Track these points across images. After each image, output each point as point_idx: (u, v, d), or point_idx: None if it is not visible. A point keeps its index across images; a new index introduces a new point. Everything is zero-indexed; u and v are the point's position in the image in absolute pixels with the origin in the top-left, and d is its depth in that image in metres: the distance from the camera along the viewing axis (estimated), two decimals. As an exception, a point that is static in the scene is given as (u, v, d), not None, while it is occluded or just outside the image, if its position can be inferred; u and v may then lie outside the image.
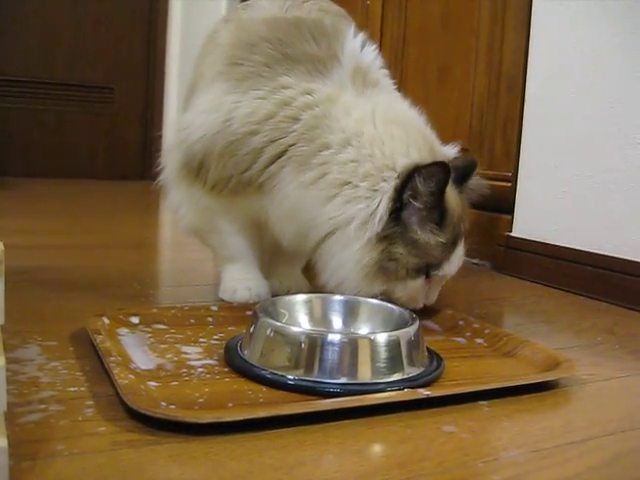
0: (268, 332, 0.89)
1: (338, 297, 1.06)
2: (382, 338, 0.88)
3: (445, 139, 2.13)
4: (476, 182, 1.27)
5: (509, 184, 1.86)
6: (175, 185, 1.27)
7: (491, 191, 1.91)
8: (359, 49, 1.20)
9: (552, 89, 1.72)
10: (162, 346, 0.98)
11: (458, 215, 1.16)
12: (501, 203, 1.88)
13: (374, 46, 1.24)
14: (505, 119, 1.92)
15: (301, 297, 1.05)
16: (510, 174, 1.86)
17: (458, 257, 1.17)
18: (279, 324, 0.91)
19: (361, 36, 1.23)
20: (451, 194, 1.15)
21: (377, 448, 0.74)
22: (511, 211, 1.85)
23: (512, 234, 1.83)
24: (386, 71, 1.27)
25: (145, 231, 2.33)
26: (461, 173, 1.21)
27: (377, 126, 1.13)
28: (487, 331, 1.12)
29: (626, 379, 1.01)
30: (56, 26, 3.72)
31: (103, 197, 3.25)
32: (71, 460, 0.65)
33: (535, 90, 1.78)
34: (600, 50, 1.59)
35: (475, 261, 1.95)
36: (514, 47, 1.88)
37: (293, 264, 1.36)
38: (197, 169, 1.19)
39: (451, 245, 1.14)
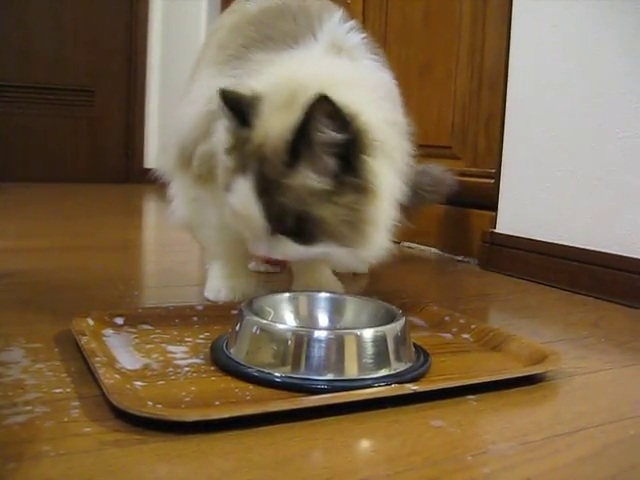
0: (254, 330, 0.89)
1: (324, 294, 1.06)
2: (368, 334, 0.88)
3: (428, 137, 2.15)
4: (441, 174, 1.22)
5: (492, 181, 1.87)
6: (172, 177, 1.28)
7: (474, 188, 1.94)
8: (340, 29, 1.15)
9: (534, 86, 1.73)
10: (148, 346, 0.98)
11: None
12: (484, 200, 1.89)
13: (362, 34, 1.18)
14: (487, 116, 1.93)
15: (287, 295, 1.04)
16: (493, 171, 1.87)
17: None
18: (265, 322, 0.90)
19: (348, 21, 1.18)
20: None
21: (365, 443, 0.74)
22: (495, 208, 1.85)
23: (496, 230, 1.83)
24: (375, 55, 1.19)
25: (129, 233, 2.31)
26: None
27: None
28: (473, 326, 1.12)
29: (612, 371, 1.02)
30: (36, 29, 3.70)
31: (86, 200, 3.24)
32: (57, 461, 0.65)
33: (517, 87, 1.79)
34: (581, 46, 1.59)
35: (459, 258, 1.95)
36: (495, 44, 1.89)
37: (318, 266, 1.34)
38: (189, 159, 1.19)
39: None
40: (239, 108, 1.02)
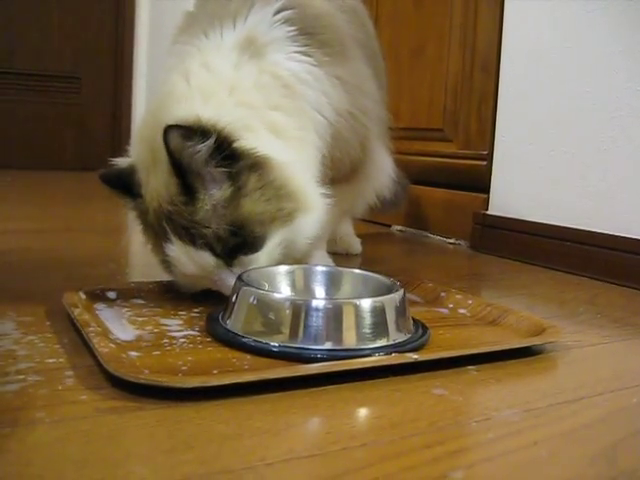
0: (251, 300, 0.87)
1: (320, 268, 1.04)
2: (367, 304, 0.86)
3: (419, 120, 2.14)
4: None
5: (484, 163, 1.86)
6: None
7: (466, 170, 1.93)
8: (264, 20, 1.11)
9: (526, 67, 1.72)
10: (141, 319, 0.96)
11: None
12: (477, 182, 1.88)
13: (292, 26, 1.12)
14: (480, 98, 1.91)
15: (283, 268, 1.02)
16: (485, 152, 1.86)
17: None
18: (262, 291, 0.89)
19: (289, 9, 1.14)
20: None
21: (368, 410, 0.73)
22: (487, 189, 1.85)
23: (488, 212, 1.82)
24: (305, 48, 1.13)
25: (118, 218, 2.28)
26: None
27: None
28: (470, 301, 1.11)
29: (610, 345, 1.01)
30: (22, 16, 3.66)
31: (73, 187, 3.20)
32: (53, 427, 0.63)
33: (509, 68, 1.78)
34: (574, 26, 1.58)
35: (451, 241, 1.94)
36: (488, 26, 1.88)
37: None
38: None
39: None
40: (122, 185, 1.05)
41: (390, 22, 2.25)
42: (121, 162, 1.07)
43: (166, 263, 1.02)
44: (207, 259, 0.97)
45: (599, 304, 1.28)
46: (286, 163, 1.03)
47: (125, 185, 1.04)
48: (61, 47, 3.78)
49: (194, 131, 0.94)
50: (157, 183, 0.99)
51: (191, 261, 0.98)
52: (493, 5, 1.84)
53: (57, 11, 3.74)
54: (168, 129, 0.92)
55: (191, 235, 0.96)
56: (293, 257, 1.05)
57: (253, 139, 1.01)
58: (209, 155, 0.96)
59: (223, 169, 0.97)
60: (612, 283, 1.44)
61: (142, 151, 1.04)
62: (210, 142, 0.95)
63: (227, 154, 0.97)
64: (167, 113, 1.00)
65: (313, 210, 1.04)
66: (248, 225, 0.98)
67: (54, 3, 3.73)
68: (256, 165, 0.99)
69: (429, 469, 0.58)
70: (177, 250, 0.98)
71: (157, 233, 1.00)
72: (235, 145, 0.98)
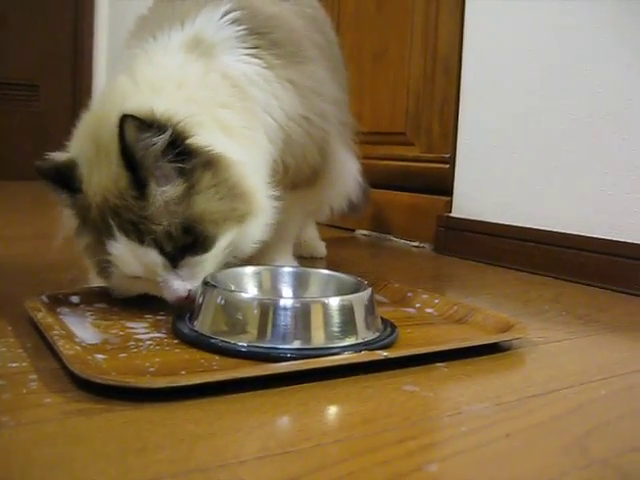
0: (219, 300, 0.86)
1: (287, 269, 1.04)
2: (335, 302, 0.86)
3: (382, 124, 2.14)
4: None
5: (447, 165, 1.87)
6: None
7: (429, 174, 1.94)
8: (212, 21, 1.10)
9: (488, 69, 1.73)
10: (105, 322, 0.94)
11: None
12: (440, 185, 1.89)
13: (241, 25, 1.11)
14: (442, 101, 1.93)
15: (250, 269, 1.02)
16: (448, 155, 1.87)
17: None
18: (230, 292, 0.88)
19: (238, 9, 1.13)
20: None
21: (339, 408, 0.72)
22: (450, 192, 1.86)
23: (452, 215, 1.83)
24: (255, 49, 1.12)
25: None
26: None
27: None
28: (437, 301, 1.12)
29: (577, 340, 1.02)
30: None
31: (34, 196, 3.14)
32: (19, 430, 0.61)
33: (471, 71, 1.79)
34: (535, 29, 1.60)
35: (415, 244, 1.95)
36: (449, 29, 1.89)
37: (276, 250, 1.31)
38: None
39: None
40: (61, 180, 0.99)
41: (352, 26, 2.26)
42: (58, 156, 1.02)
43: (103, 264, 0.97)
44: (154, 258, 0.93)
45: (563, 302, 1.29)
46: (239, 162, 1.00)
47: (64, 180, 0.99)
48: (19, 55, 3.72)
49: (150, 124, 0.92)
50: (102, 177, 0.95)
51: (136, 260, 0.94)
52: (454, 9, 1.86)
53: (15, 19, 3.69)
54: (124, 119, 0.89)
55: (139, 231, 0.92)
56: (235, 261, 1.03)
57: (206, 136, 0.99)
58: (163, 150, 0.93)
59: (177, 164, 0.95)
60: (576, 282, 1.46)
61: (84, 146, 1.00)
62: (166, 136, 0.92)
63: (181, 150, 0.95)
64: (115, 107, 0.95)
65: (262, 213, 1.02)
66: (201, 223, 0.95)
67: (12, 11, 3.67)
68: (210, 163, 0.97)
69: (404, 463, 0.58)
70: (122, 248, 0.93)
71: (99, 230, 0.95)
72: (189, 141, 0.96)
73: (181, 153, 0.95)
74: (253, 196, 1.01)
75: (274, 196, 1.05)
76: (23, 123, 3.77)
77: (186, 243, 0.94)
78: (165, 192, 0.94)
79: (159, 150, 0.93)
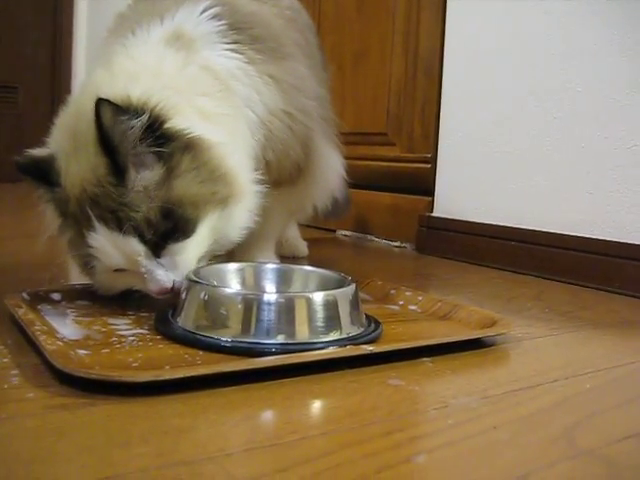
0: (202, 296, 0.85)
1: (271, 265, 1.03)
2: (319, 297, 0.85)
3: (363, 125, 2.14)
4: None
5: (428, 166, 1.88)
6: None
7: (410, 174, 1.94)
8: (192, 17, 1.10)
9: (469, 70, 1.74)
10: (87, 319, 0.93)
11: None
12: (421, 185, 1.90)
13: (220, 21, 1.11)
14: (423, 102, 1.93)
15: (233, 266, 1.01)
16: (429, 155, 1.88)
17: None
18: (213, 287, 0.87)
19: (212, 7, 1.12)
20: None
21: (325, 401, 0.72)
22: (431, 192, 1.86)
23: (433, 214, 1.83)
24: (235, 45, 1.12)
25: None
26: None
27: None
28: (420, 298, 1.11)
29: (560, 336, 1.02)
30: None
31: (15, 197, 3.12)
32: (0, 425, 0.60)
33: (452, 72, 1.80)
34: (515, 30, 1.61)
35: (397, 244, 1.95)
36: (430, 30, 1.90)
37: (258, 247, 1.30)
38: None
39: None
40: (39, 173, 0.97)
41: (333, 27, 2.26)
42: (37, 152, 1.00)
43: (86, 258, 0.95)
44: (135, 246, 0.91)
45: (546, 300, 1.29)
46: (219, 144, 0.99)
47: (43, 174, 0.97)
48: (-4, 55, 3.69)
49: (126, 108, 0.90)
50: (81, 168, 0.93)
51: (117, 250, 0.91)
52: (435, 10, 1.86)
53: (-9, 18, 3.66)
54: (100, 103, 0.87)
55: (118, 219, 0.90)
56: (221, 250, 1.01)
57: (184, 120, 0.97)
58: (141, 134, 0.91)
59: (155, 149, 0.93)
60: (558, 281, 1.46)
61: (62, 139, 0.98)
62: (143, 119, 0.91)
63: (159, 134, 0.93)
64: (91, 98, 0.91)
65: (245, 196, 1.01)
66: (180, 207, 0.92)
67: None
68: (189, 146, 0.95)
69: (391, 454, 0.58)
70: (101, 238, 0.91)
71: (79, 222, 0.93)
72: (167, 125, 0.94)
73: (159, 137, 0.93)
74: (235, 178, 0.99)
75: (258, 180, 1.04)
76: (1, 125, 3.74)
77: (167, 229, 0.92)
78: (144, 177, 0.92)
79: (137, 134, 0.91)
